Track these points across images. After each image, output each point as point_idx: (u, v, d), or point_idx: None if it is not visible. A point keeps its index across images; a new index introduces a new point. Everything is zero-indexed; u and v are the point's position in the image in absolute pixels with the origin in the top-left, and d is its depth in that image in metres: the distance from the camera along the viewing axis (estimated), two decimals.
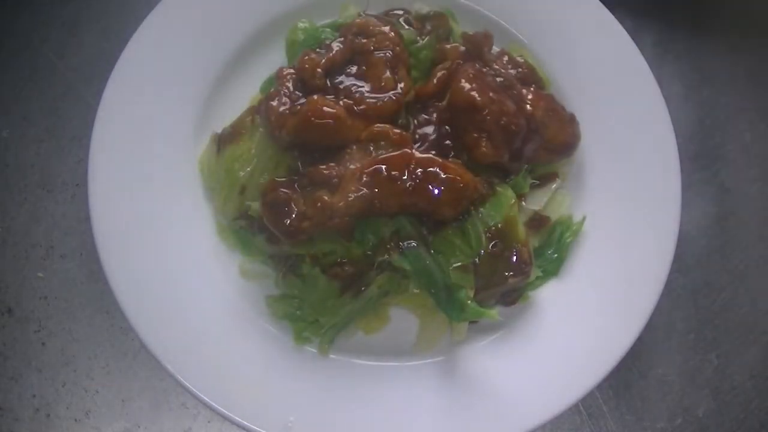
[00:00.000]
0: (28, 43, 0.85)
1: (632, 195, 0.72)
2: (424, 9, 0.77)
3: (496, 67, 0.71)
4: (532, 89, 0.72)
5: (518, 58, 0.75)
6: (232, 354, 0.65)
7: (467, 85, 0.66)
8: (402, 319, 0.70)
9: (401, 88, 0.67)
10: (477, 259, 0.65)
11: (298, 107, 0.65)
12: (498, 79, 0.69)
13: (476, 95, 0.66)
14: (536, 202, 0.72)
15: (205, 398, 0.61)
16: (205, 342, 0.64)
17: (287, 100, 0.66)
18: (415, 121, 0.70)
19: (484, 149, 0.66)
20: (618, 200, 0.72)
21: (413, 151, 0.63)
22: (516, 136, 0.67)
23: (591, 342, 0.66)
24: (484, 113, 0.65)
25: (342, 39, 0.69)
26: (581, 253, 0.71)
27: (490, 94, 0.66)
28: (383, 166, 0.62)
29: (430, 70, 0.72)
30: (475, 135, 0.66)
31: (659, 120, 0.73)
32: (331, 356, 0.66)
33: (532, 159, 0.71)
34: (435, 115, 0.70)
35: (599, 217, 0.71)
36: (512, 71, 0.74)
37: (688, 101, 0.86)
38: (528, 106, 0.69)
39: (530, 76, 0.75)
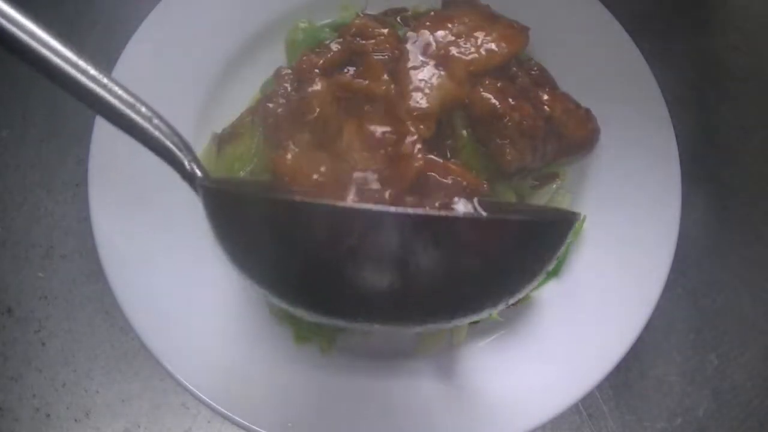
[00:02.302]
0: None
1: (632, 195, 0.71)
2: (423, 8, 0.77)
3: (514, 69, 0.71)
4: (547, 90, 0.72)
5: (530, 61, 0.76)
6: (232, 354, 0.65)
7: (486, 94, 0.66)
8: None
9: None
10: None
11: None
12: (514, 84, 0.70)
13: (496, 103, 0.66)
14: (536, 202, 0.73)
15: (205, 398, 0.61)
16: (205, 342, 0.64)
17: (285, 101, 0.66)
18: None
19: (509, 157, 0.66)
20: (618, 200, 0.72)
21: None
22: (537, 139, 0.67)
23: (591, 342, 0.66)
24: (505, 120, 0.65)
25: (341, 40, 0.69)
26: (581, 253, 0.71)
27: (509, 100, 0.66)
28: None
29: None
30: (499, 142, 0.66)
31: (659, 120, 0.73)
32: (331, 356, 0.66)
33: (553, 159, 0.71)
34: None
35: (599, 217, 0.71)
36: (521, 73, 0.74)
37: (688, 101, 0.85)
38: (546, 108, 0.70)
39: (542, 77, 0.75)
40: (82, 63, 0.45)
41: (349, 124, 0.63)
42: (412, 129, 0.62)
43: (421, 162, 0.61)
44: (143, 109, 0.46)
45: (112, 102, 0.46)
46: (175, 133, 0.48)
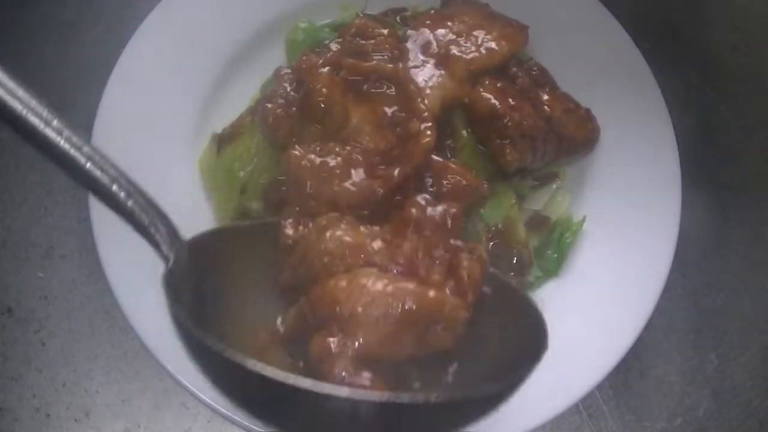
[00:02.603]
0: (28, 43, 0.85)
1: (632, 195, 0.71)
2: (422, 7, 0.77)
3: (514, 69, 0.71)
4: (547, 90, 0.72)
5: (530, 61, 0.76)
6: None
7: (486, 94, 0.66)
8: None
9: None
10: None
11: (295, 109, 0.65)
12: (515, 84, 0.70)
13: (496, 103, 0.66)
14: (536, 202, 0.73)
15: (205, 398, 0.61)
16: None
17: (284, 101, 0.66)
18: None
19: (509, 157, 0.66)
20: (618, 200, 0.72)
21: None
22: (537, 139, 0.67)
23: (591, 342, 0.66)
24: (505, 120, 0.66)
25: (341, 40, 0.69)
26: (581, 253, 0.70)
27: (509, 100, 0.66)
28: None
29: None
30: (498, 142, 0.66)
31: (659, 120, 0.73)
32: None
33: (553, 159, 0.71)
34: None
35: (599, 217, 0.71)
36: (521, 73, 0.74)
37: (688, 101, 0.85)
38: (546, 108, 0.70)
39: (542, 77, 0.75)
40: (65, 130, 0.45)
41: (358, 106, 0.62)
42: (422, 107, 0.62)
43: (429, 139, 0.60)
44: (124, 182, 0.48)
45: (104, 185, 0.47)
46: (159, 214, 0.49)
